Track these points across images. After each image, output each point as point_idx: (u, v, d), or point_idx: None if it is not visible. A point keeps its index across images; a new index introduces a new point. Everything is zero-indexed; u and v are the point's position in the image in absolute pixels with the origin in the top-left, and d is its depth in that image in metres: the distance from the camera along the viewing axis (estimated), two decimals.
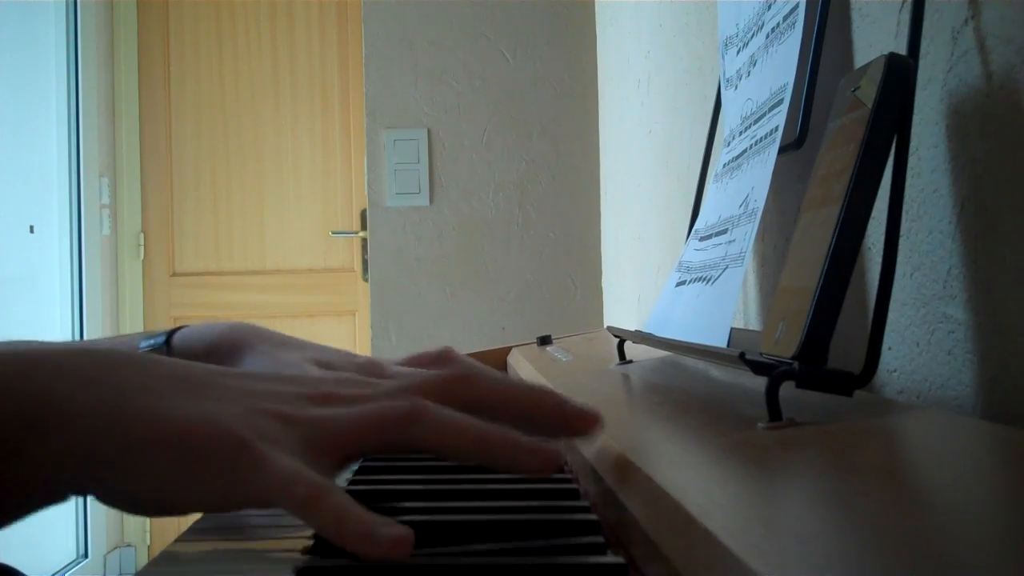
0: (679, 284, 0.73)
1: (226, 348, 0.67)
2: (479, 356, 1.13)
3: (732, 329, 0.60)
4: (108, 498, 0.39)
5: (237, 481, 0.38)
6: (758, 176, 0.62)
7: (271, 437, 0.39)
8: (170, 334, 0.69)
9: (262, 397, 0.41)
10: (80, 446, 0.37)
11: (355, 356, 0.68)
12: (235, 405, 0.40)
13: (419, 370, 0.47)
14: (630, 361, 0.79)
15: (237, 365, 0.66)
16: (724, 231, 0.66)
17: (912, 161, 0.49)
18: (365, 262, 2.93)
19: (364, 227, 3.00)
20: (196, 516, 0.45)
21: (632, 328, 0.83)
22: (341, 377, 0.46)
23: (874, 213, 0.45)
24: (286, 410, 0.40)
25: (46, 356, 0.39)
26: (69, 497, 0.39)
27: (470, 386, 0.43)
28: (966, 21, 0.46)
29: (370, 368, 0.65)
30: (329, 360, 0.66)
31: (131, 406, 0.38)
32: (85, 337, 3.11)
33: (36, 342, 0.41)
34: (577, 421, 0.42)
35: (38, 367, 0.39)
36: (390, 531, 0.36)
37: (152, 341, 0.68)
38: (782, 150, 0.62)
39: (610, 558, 0.35)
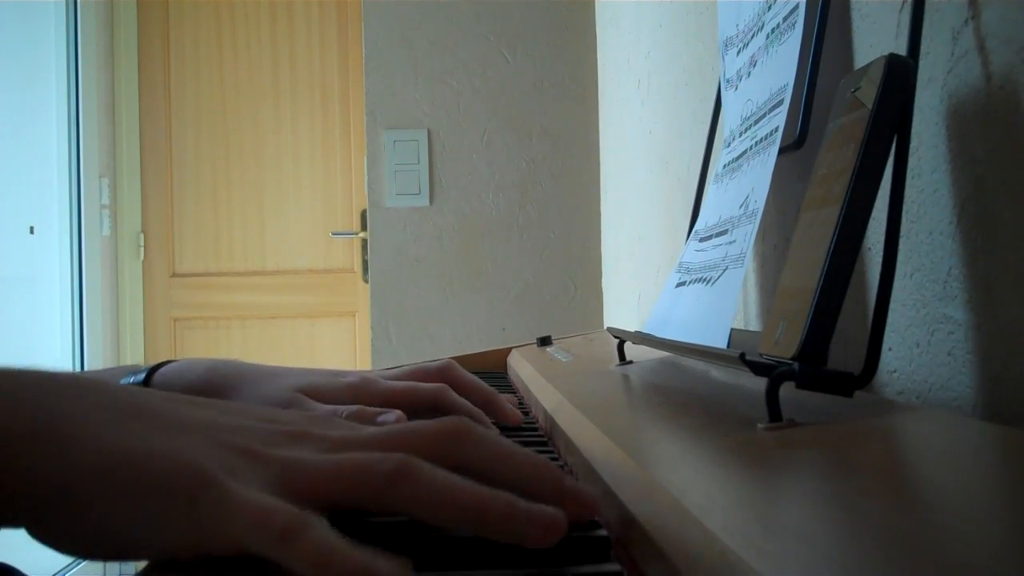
0: (679, 285, 0.73)
1: (208, 390, 0.64)
2: (479, 357, 1.13)
3: (732, 330, 0.60)
4: (41, 534, 0.34)
5: (199, 518, 0.33)
6: (758, 177, 0.62)
7: (237, 473, 0.35)
8: (151, 371, 0.67)
9: (228, 431, 0.38)
10: (13, 473, 0.33)
11: (345, 375, 0.66)
12: (196, 438, 0.36)
13: (408, 420, 0.43)
14: (630, 362, 0.79)
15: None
16: (724, 232, 0.66)
17: (912, 161, 0.49)
18: (365, 263, 2.93)
19: (364, 228, 3.00)
20: None
21: (632, 329, 0.83)
22: (319, 416, 0.43)
23: (874, 213, 0.45)
24: (255, 447, 0.37)
25: None
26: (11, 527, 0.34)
27: (464, 446, 0.38)
28: (966, 21, 0.46)
29: (360, 389, 0.64)
30: (316, 384, 0.64)
31: (74, 431, 0.34)
32: (85, 339, 3.12)
33: None
34: (572, 503, 0.37)
35: None
36: (385, 565, 0.31)
37: (132, 378, 0.66)
38: (782, 150, 0.62)
39: (609, 565, 0.35)
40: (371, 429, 0.40)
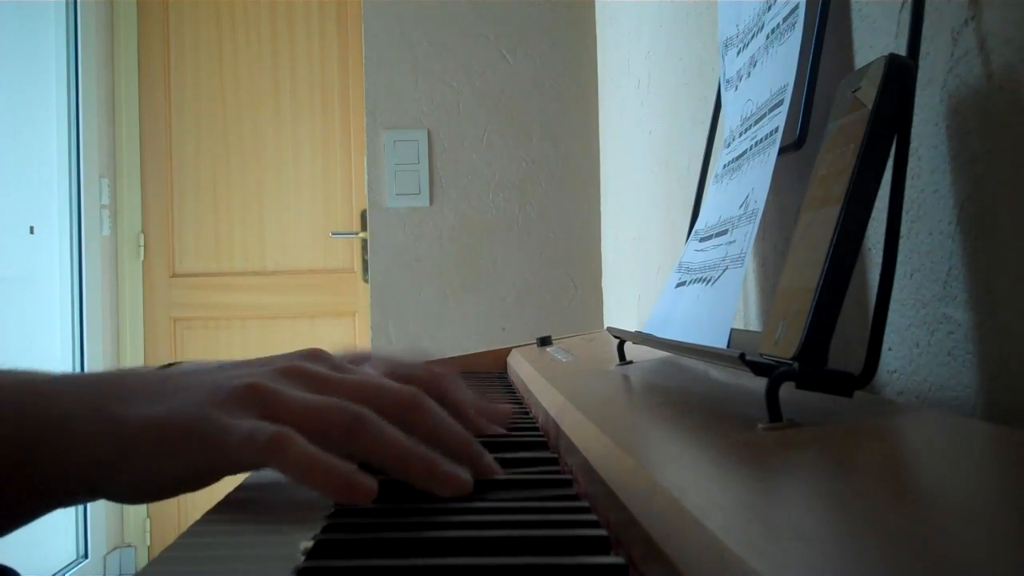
0: (679, 285, 0.73)
1: None
2: (479, 357, 1.13)
3: (732, 330, 0.60)
4: (116, 494, 0.45)
5: (208, 451, 0.43)
6: (758, 177, 0.62)
7: (233, 410, 0.44)
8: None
9: (223, 380, 0.46)
10: (82, 454, 0.43)
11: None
12: (198, 394, 0.45)
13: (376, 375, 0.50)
14: (630, 362, 0.79)
15: None
16: (724, 232, 0.66)
17: (912, 162, 0.49)
18: (365, 263, 2.93)
19: (364, 228, 3.00)
20: (195, 516, 0.45)
21: (632, 329, 0.83)
22: (307, 354, 0.51)
23: (874, 213, 0.45)
24: (248, 381, 0.45)
25: (44, 383, 0.47)
26: (81, 500, 0.46)
27: (415, 415, 0.48)
28: (966, 21, 0.46)
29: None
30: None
31: (114, 413, 0.44)
32: (85, 339, 3.12)
33: (26, 372, 0.48)
34: (482, 470, 0.47)
35: (40, 394, 0.46)
36: (360, 479, 0.41)
37: None
38: (782, 151, 0.62)
39: (611, 558, 0.35)
40: (349, 379, 0.48)
